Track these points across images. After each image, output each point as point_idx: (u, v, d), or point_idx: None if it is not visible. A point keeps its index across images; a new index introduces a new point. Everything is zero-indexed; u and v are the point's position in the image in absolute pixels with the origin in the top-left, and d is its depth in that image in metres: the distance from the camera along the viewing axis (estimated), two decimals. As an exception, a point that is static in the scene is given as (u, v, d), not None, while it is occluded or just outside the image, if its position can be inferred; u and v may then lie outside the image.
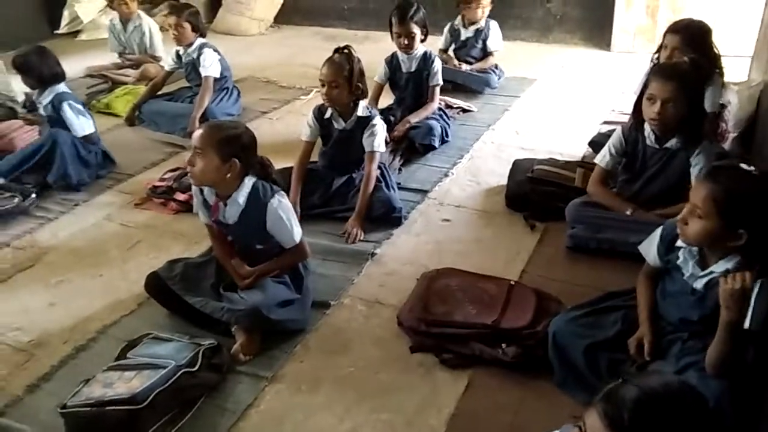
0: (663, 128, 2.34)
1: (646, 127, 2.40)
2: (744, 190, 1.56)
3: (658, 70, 2.38)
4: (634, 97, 2.48)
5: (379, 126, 2.85)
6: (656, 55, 2.95)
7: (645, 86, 2.37)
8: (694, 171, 2.34)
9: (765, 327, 1.52)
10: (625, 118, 2.76)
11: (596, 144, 3.25)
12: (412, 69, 3.67)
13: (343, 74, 2.72)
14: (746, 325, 1.50)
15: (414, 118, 3.54)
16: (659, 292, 1.86)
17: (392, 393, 1.90)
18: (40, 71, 3.22)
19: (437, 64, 3.65)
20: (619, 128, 2.55)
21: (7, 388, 1.96)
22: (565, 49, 5.56)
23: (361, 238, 2.70)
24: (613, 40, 5.41)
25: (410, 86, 3.72)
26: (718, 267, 1.64)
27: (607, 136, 3.19)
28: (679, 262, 1.76)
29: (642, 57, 4.63)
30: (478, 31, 4.52)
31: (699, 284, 1.70)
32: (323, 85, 2.75)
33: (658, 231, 1.86)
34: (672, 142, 2.36)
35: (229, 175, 2.07)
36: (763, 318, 1.48)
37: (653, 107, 2.29)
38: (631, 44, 5.35)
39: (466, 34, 4.55)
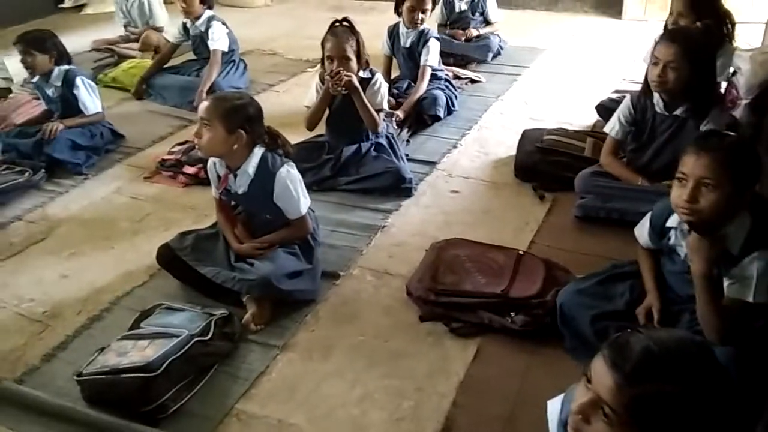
0: (665, 92, 2.31)
1: (656, 94, 2.38)
2: (743, 149, 1.57)
3: (664, 34, 2.35)
4: (644, 65, 2.46)
5: (381, 83, 2.83)
6: (667, 21, 2.92)
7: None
8: None
9: None
10: (636, 88, 2.73)
11: (603, 108, 3.23)
12: (407, 44, 3.63)
13: (351, 47, 2.70)
14: (750, 298, 1.54)
15: (406, 106, 3.42)
16: (663, 269, 1.85)
17: (402, 360, 1.92)
18: (60, 48, 3.20)
19: (432, 45, 3.55)
20: (628, 96, 2.53)
21: (24, 357, 2.00)
22: (575, 18, 5.47)
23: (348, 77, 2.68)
24: (624, 7, 5.32)
25: (405, 60, 3.69)
26: None
27: (614, 100, 3.18)
28: (672, 242, 1.76)
29: (653, 25, 4.56)
30: (472, 3, 4.38)
31: None
32: (331, 61, 2.72)
33: (647, 217, 1.86)
34: (681, 110, 2.34)
35: (236, 147, 2.07)
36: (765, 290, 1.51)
37: (655, 70, 2.27)
38: (643, 12, 5.27)
39: (459, 5, 4.40)
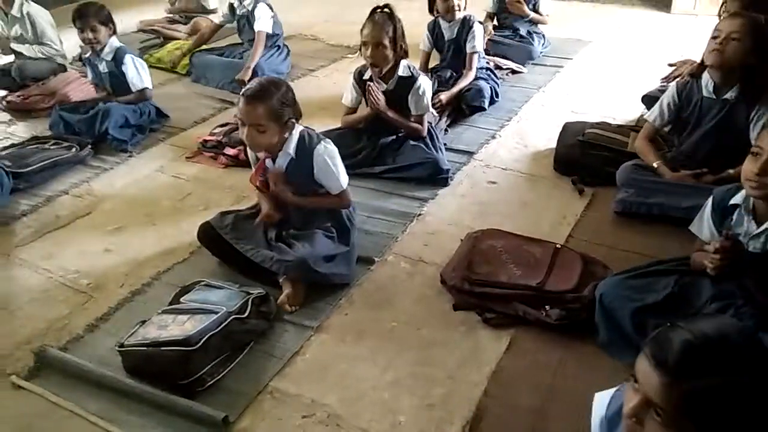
0: (720, 66, 2.24)
1: (705, 76, 2.32)
2: None
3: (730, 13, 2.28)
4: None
5: (424, 86, 2.81)
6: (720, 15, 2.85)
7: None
8: (755, 129, 2.25)
9: None
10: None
11: (649, 98, 3.17)
12: (453, 36, 3.59)
13: (388, 34, 2.68)
14: None
15: (454, 90, 3.44)
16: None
17: (434, 348, 1.93)
18: (113, 20, 3.28)
19: (477, 30, 3.52)
20: (673, 84, 2.48)
21: (68, 326, 2.07)
22: (623, 10, 5.35)
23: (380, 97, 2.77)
24: (674, 1, 5.17)
25: (451, 52, 3.65)
26: None
27: (662, 90, 3.11)
28: (733, 223, 1.72)
29: (704, 20, 4.43)
30: None
31: (756, 244, 1.66)
32: (366, 47, 2.72)
33: (708, 203, 1.82)
34: (731, 93, 2.27)
35: (287, 134, 2.11)
36: None
37: (715, 40, 2.20)
38: (693, 6, 5.12)
39: None
